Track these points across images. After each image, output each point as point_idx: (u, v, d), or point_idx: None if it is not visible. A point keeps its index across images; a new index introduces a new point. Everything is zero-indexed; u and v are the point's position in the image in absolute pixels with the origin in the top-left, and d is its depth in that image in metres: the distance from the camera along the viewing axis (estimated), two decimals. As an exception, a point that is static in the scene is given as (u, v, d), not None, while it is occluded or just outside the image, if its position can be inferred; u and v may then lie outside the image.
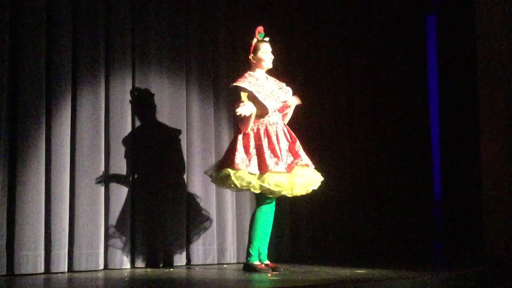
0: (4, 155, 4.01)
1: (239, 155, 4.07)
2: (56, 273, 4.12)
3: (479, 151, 6.07)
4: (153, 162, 4.63)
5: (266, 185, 4.01)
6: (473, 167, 6.16)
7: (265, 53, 4.26)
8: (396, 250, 6.07)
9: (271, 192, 4.07)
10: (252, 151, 4.09)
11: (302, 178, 4.14)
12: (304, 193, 4.24)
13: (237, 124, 4.28)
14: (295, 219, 5.44)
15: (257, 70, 4.29)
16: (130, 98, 4.57)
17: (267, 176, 4.03)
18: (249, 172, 4.04)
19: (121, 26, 4.55)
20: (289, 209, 5.35)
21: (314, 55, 5.75)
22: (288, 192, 4.12)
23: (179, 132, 4.78)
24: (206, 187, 4.80)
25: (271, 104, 4.17)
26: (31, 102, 4.12)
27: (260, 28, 4.31)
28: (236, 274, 4.27)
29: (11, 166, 4.05)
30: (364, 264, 4.76)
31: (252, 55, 4.27)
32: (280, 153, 4.11)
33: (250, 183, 4.03)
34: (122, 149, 4.49)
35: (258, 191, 4.07)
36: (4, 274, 3.96)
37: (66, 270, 4.18)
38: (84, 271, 4.23)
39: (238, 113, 4.04)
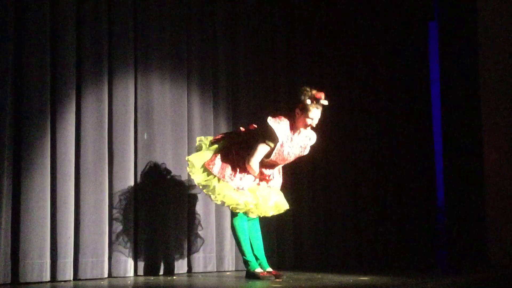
0: (9, 163, 4.02)
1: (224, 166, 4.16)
2: (61, 281, 4.13)
3: (482, 157, 6.08)
4: (156, 170, 4.64)
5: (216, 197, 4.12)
6: (476, 173, 6.17)
7: (313, 119, 4.12)
8: (400, 257, 6.07)
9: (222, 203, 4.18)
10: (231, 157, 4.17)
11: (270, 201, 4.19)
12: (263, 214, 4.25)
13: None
14: (297, 226, 5.45)
15: (293, 123, 4.15)
16: (133, 105, 4.60)
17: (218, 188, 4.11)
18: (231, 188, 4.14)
19: (123, 33, 4.56)
20: (291, 216, 5.35)
21: (316, 62, 5.77)
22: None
23: (180, 139, 4.79)
24: (206, 196, 4.81)
25: (285, 158, 4.19)
26: (35, 109, 4.13)
27: (322, 95, 4.09)
28: (239, 281, 4.28)
29: (15, 174, 4.06)
30: (368, 271, 4.76)
31: (299, 111, 4.11)
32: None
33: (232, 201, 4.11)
34: (125, 158, 4.51)
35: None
36: (9, 282, 3.97)
37: (71, 278, 4.19)
38: (89, 279, 4.24)
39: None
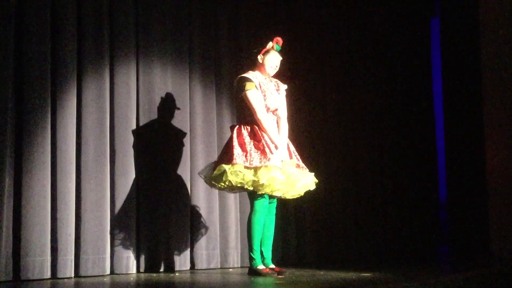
0: (10, 161, 4.01)
1: (236, 151, 4.08)
2: (62, 278, 4.12)
3: (484, 153, 6.08)
4: (158, 166, 4.63)
5: (261, 180, 4.00)
6: (478, 169, 6.17)
7: (272, 61, 4.28)
8: (402, 253, 6.07)
9: (264, 188, 4.05)
10: (248, 146, 4.11)
11: (299, 181, 4.16)
12: (296, 195, 4.25)
13: (238, 118, 4.34)
14: (300, 222, 5.45)
15: (258, 71, 4.30)
16: (135, 102, 4.59)
17: (261, 172, 4.02)
18: (245, 167, 4.04)
19: (125, 28, 4.53)
20: (293, 212, 5.35)
21: (317, 59, 5.76)
22: (281, 191, 4.10)
23: (183, 136, 4.79)
24: (209, 191, 4.81)
25: (271, 103, 4.21)
26: (35, 106, 4.11)
27: (280, 40, 4.31)
28: (241, 278, 4.27)
29: (17, 172, 4.05)
30: (370, 267, 4.75)
31: (261, 56, 4.29)
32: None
33: (244, 178, 4.02)
34: (127, 154, 4.49)
35: (251, 188, 4.05)
36: (10, 279, 3.97)
37: (72, 275, 4.18)
38: (90, 276, 4.23)
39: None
